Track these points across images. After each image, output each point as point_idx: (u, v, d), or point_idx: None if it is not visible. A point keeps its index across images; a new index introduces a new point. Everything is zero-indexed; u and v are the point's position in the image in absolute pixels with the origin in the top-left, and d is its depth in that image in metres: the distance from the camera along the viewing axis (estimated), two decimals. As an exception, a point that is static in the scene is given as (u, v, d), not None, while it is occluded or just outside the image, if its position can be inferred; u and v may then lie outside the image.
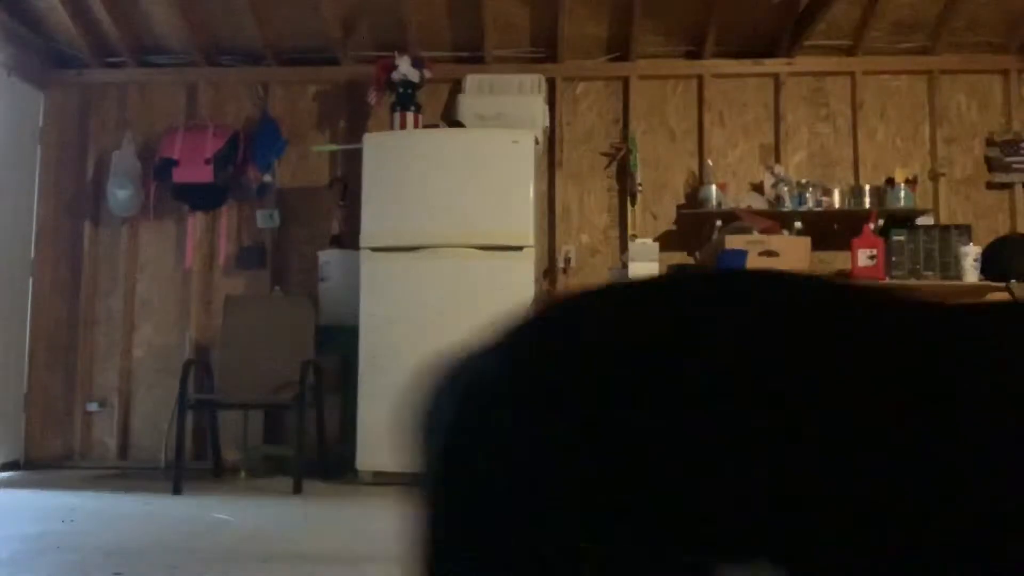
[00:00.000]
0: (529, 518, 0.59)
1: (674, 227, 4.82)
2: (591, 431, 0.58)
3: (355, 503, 3.50)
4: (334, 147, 4.92)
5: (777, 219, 4.40)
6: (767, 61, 4.86)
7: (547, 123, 4.69)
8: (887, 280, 4.17)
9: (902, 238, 4.29)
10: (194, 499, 3.57)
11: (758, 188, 4.74)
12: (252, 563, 2.36)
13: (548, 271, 4.78)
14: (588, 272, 4.81)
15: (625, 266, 4.20)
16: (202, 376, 4.31)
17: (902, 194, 4.47)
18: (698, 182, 4.79)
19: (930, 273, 4.25)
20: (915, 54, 4.82)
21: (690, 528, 0.58)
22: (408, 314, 4.07)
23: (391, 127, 4.58)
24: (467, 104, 4.59)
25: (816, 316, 0.61)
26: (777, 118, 4.85)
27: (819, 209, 4.51)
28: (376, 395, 4.03)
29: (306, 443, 3.95)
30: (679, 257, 4.69)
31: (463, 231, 4.12)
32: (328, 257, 4.63)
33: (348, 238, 4.61)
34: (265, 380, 4.18)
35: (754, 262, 4.08)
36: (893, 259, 4.25)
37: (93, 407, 4.90)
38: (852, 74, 4.84)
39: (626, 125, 4.88)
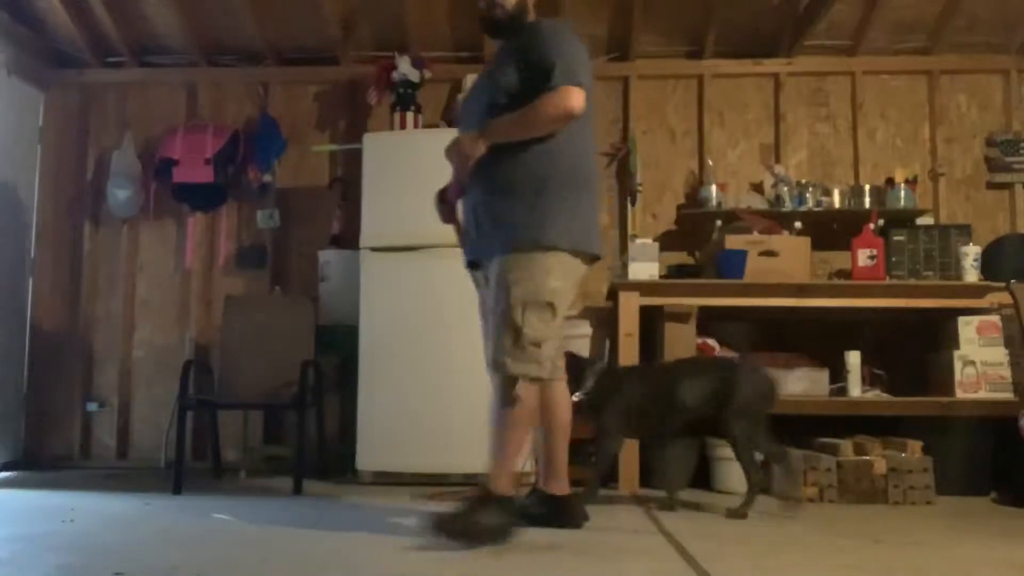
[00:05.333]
0: None
1: (674, 227, 4.82)
2: None
3: (355, 503, 3.50)
4: (334, 147, 4.92)
5: (777, 219, 4.40)
6: (767, 61, 4.86)
7: (547, 123, 4.68)
8: (887, 280, 4.16)
9: (902, 238, 4.29)
10: (194, 499, 3.57)
11: (758, 188, 4.74)
12: (252, 563, 2.36)
13: (548, 271, 4.77)
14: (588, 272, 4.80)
15: (625, 266, 4.20)
16: (202, 376, 4.30)
17: (902, 194, 4.46)
18: (698, 182, 4.79)
19: (930, 273, 4.25)
20: (915, 54, 4.82)
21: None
22: (408, 314, 4.07)
23: (391, 127, 4.59)
24: (467, 104, 4.59)
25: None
26: (777, 118, 4.85)
27: (819, 209, 4.51)
28: (376, 395, 4.03)
29: (306, 443, 3.95)
30: (679, 257, 4.69)
31: (463, 231, 4.11)
32: (328, 257, 4.63)
33: (348, 238, 4.61)
34: (265, 380, 4.17)
35: (754, 262, 4.08)
36: (893, 259, 4.25)
37: (93, 407, 4.90)
38: (852, 74, 4.84)
39: (626, 125, 4.88)
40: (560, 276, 2.66)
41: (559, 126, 2.65)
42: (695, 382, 3.33)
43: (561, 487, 2.93)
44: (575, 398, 3.11)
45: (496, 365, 2.63)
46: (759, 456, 3.35)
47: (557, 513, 2.91)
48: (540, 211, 2.64)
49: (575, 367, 3.15)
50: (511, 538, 2.57)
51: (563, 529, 2.86)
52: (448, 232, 4.13)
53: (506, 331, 2.60)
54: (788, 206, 4.49)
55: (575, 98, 2.59)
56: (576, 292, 2.81)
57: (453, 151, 2.78)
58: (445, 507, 2.69)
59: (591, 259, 2.80)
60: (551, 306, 2.63)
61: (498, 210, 2.71)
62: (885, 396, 4.06)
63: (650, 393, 3.31)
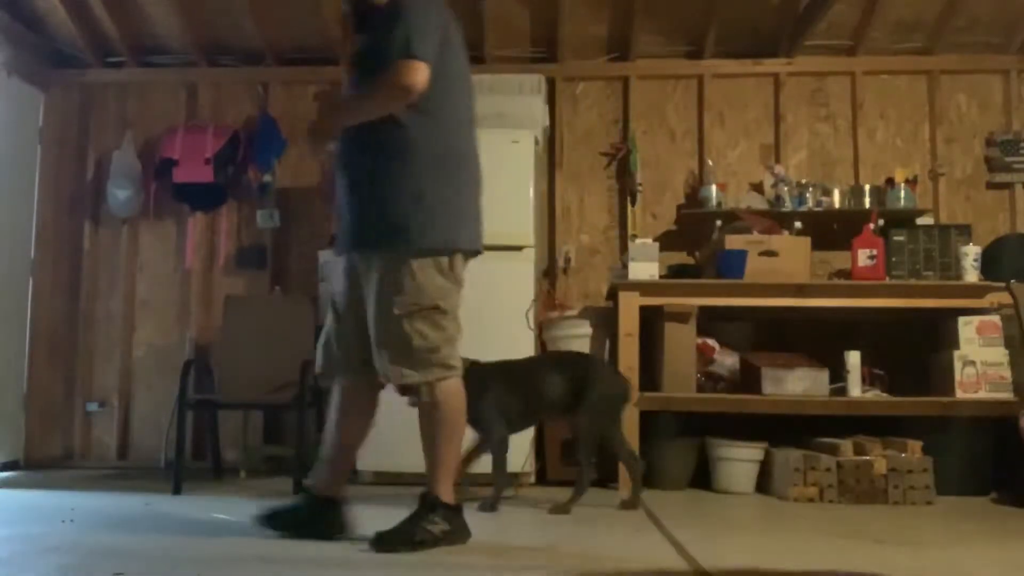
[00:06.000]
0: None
1: (674, 227, 4.82)
2: None
3: (355, 503, 3.49)
4: (334, 147, 4.91)
5: (777, 219, 4.40)
6: (767, 61, 4.86)
7: (547, 123, 4.69)
8: (887, 280, 4.16)
9: (902, 238, 4.29)
10: (194, 499, 3.57)
11: (758, 188, 4.74)
12: (252, 563, 2.36)
13: (548, 271, 4.78)
14: (588, 272, 4.82)
15: (625, 266, 4.19)
16: (202, 376, 4.30)
17: (902, 194, 4.46)
18: (698, 182, 4.79)
19: (930, 273, 4.25)
20: (915, 54, 4.82)
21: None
22: (408, 314, 4.06)
23: (391, 127, 4.58)
24: (467, 104, 4.58)
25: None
26: (777, 118, 4.85)
27: (819, 209, 4.51)
28: (376, 395, 4.02)
29: (306, 443, 3.94)
30: (679, 257, 4.69)
31: (463, 231, 4.11)
32: (328, 257, 4.62)
33: (348, 238, 4.60)
34: (265, 380, 4.17)
35: (754, 262, 4.08)
36: (893, 259, 4.25)
37: (93, 407, 4.90)
38: (852, 74, 4.84)
39: (626, 125, 4.88)
40: (445, 274, 2.53)
41: (398, 103, 2.45)
42: (556, 377, 3.36)
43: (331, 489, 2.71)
44: None
45: (395, 376, 2.51)
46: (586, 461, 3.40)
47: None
48: (411, 207, 2.47)
49: None
50: (459, 545, 2.50)
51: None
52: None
53: (395, 342, 2.47)
54: (788, 206, 4.49)
55: (410, 72, 2.39)
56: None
57: (307, 138, 2.67)
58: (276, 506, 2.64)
59: (473, 253, 2.66)
60: (438, 308, 2.49)
61: (365, 205, 2.54)
62: (885, 396, 4.06)
63: (513, 389, 3.32)
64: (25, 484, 4.12)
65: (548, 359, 3.58)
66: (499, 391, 3.31)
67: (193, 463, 4.50)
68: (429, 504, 2.51)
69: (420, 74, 2.41)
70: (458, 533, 2.53)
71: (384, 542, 2.45)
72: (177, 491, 3.69)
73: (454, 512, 2.54)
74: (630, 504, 3.33)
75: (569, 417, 3.38)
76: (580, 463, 3.33)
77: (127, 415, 4.90)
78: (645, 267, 4.11)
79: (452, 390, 2.55)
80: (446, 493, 2.52)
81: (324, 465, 2.71)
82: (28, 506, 3.44)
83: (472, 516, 3.17)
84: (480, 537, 2.60)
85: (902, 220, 4.43)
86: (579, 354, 3.60)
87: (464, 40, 2.67)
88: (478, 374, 3.27)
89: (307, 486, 2.78)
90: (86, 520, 3.03)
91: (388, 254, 2.50)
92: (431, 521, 2.48)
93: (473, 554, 2.47)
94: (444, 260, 2.53)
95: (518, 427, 3.43)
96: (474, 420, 3.24)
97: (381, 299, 2.50)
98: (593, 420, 3.32)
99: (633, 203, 4.79)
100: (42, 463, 4.71)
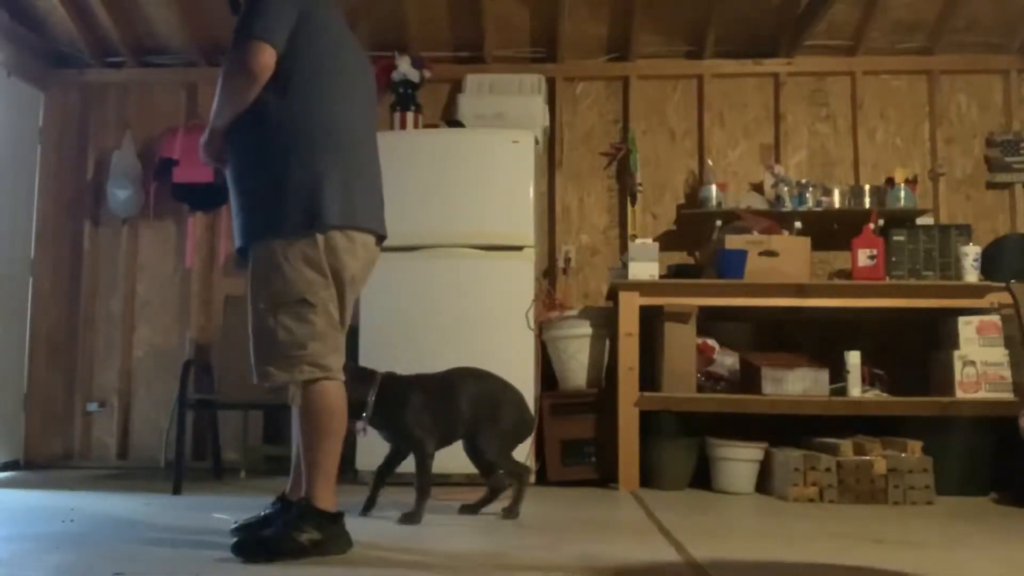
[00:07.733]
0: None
1: (674, 227, 4.83)
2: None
3: (355, 503, 3.49)
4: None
5: (777, 219, 4.40)
6: (767, 61, 4.86)
7: (547, 123, 4.69)
8: (887, 280, 4.16)
9: (902, 238, 4.29)
10: (194, 499, 3.57)
11: (758, 188, 4.74)
12: (252, 563, 2.36)
13: (548, 271, 4.78)
14: (588, 272, 4.82)
15: (625, 266, 4.20)
16: (202, 376, 4.30)
17: (902, 194, 4.46)
18: (698, 182, 4.79)
19: (930, 273, 4.25)
20: (915, 54, 4.82)
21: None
22: (408, 314, 4.07)
23: (391, 127, 4.59)
24: (467, 104, 4.60)
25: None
26: (777, 118, 4.85)
27: (819, 209, 4.51)
28: (376, 395, 4.01)
29: (306, 443, 3.94)
30: (679, 257, 4.70)
31: (463, 231, 4.12)
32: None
33: (348, 238, 4.59)
34: (265, 380, 4.16)
35: (754, 262, 4.08)
36: (893, 259, 4.25)
37: (93, 407, 4.90)
38: (852, 74, 4.84)
39: (626, 125, 4.88)
40: (313, 264, 2.36)
41: (245, 88, 2.36)
42: (473, 395, 3.18)
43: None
44: (360, 426, 3.02)
45: (261, 375, 2.41)
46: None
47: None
48: (276, 194, 2.34)
49: (357, 377, 2.98)
50: (335, 555, 2.34)
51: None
52: (448, 232, 4.17)
53: (261, 338, 2.38)
54: (788, 206, 4.49)
55: (246, 54, 2.31)
56: (366, 270, 2.52)
57: (202, 152, 2.57)
58: (248, 519, 2.57)
59: (369, 232, 2.49)
60: (305, 302, 2.35)
61: (239, 201, 2.45)
62: (885, 396, 4.06)
63: (430, 403, 3.15)
64: (25, 484, 4.12)
65: (464, 375, 3.27)
66: (422, 403, 3.14)
67: (193, 463, 4.50)
68: (299, 511, 2.37)
69: (260, 54, 2.31)
70: (332, 543, 2.35)
71: (243, 549, 2.33)
72: (177, 491, 3.69)
73: (330, 520, 2.37)
74: (511, 513, 3.11)
75: (477, 437, 3.16)
76: (512, 473, 3.17)
77: (127, 415, 4.90)
78: (645, 267, 4.11)
79: (327, 392, 2.41)
80: (323, 499, 2.37)
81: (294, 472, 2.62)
82: (28, 506, 3.44)
83: (469, 518, 3.18)
84: (476, 538, 2.60)
85: (902, 220, 4.43)
86: (492, 375, 3.30)
87: (336, 13, 2.57)
88: (396, 387, 3.13)
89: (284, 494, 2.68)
90: (86, 520, 3.03)
91: (256, 243, 2.41)
92: (300, 529, 2.33)
93: (469, 556, 2.47)
94: (313, 244, 2.36)
95: (441, 444, 3.20)
96: (398, 434, 3.16)
97: (250, 293, 2.42)
98: (505, 443, 3.16)
99: (633, 203, 4.79)
100: (42, 463, 4.72)
